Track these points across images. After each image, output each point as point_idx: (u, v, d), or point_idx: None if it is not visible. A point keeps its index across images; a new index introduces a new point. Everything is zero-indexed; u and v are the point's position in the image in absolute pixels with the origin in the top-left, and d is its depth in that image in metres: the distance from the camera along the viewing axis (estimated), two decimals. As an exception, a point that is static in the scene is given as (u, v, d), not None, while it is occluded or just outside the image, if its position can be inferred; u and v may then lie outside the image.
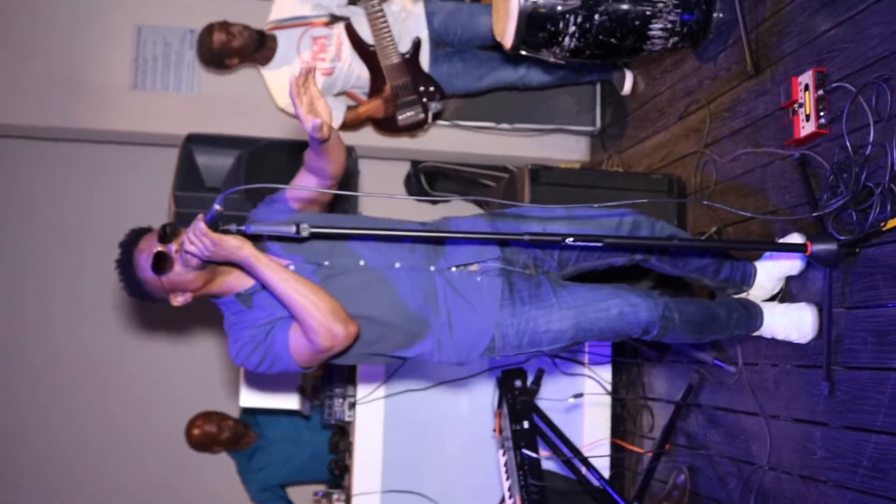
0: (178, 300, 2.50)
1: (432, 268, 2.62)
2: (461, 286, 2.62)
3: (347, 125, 4.58)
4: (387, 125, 4.59)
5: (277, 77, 4.35)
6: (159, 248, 2.40)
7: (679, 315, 2.76)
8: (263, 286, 2.46)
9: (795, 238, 2.89)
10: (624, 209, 2.82)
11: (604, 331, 2.70)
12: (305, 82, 2.36)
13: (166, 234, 2.42)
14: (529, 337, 2.65)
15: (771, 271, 3.04)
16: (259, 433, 4.80)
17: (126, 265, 2.46)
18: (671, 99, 4.11)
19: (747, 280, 3.04)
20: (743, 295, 3.08)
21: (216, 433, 4.71)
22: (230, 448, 4.81)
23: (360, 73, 4.40)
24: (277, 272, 2.37)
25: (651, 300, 2.71)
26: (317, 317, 2.35)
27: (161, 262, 2.40)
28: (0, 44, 4.69)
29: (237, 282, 2.52)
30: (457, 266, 2.64)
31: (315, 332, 2.37)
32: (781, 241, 2.95)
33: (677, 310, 2.76)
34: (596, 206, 2.67)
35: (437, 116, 4.59)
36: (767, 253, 3.07)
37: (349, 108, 4.54)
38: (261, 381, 4.21)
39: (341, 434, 4.35)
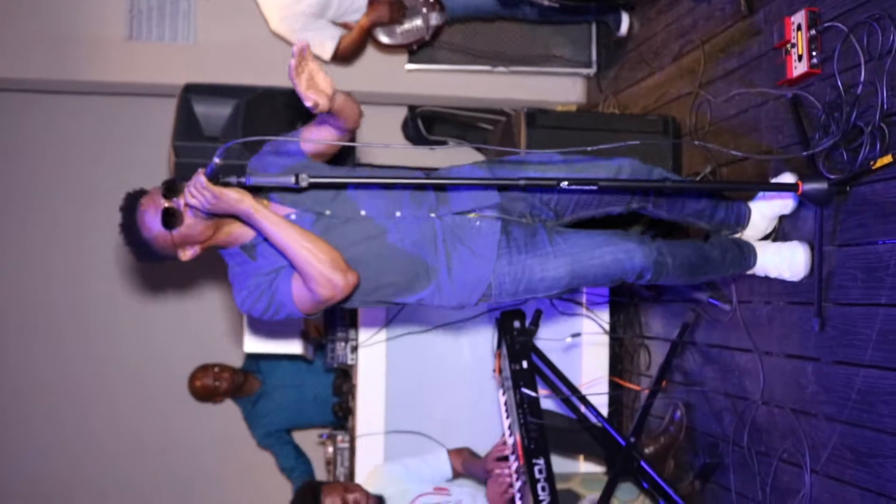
0: (187, 254, 2.51)
1: (432, 214, 2.65)
2: (460, 231, 2.66)
3: (341, 55, 4.56)
4: (388, 33, 4.53)
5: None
6: (166, 203, 2.41)
7: (672, 259, 2.81)
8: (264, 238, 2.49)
9: (787, 178, 2.92)
10: (621, 159, 2.85)
11: (598, 277, 2.76)
12: (303, 60, 2.36)
13: (170, 190, 2.42)
14: (525, 284, 2.71)
15: (764, 211, 3.07)
16: (262, 380, 4.85)
17: (131, 228, 2.45)
18: (666, 40, 4.10)
19: (741, 221, 3.08)
20: (737, 235, 3.12)
21: (215, 386, 4.78)
22: (233, 396, 4.88)
23: None
24: (277, 224, 2.39)
25: (645, 246, 2.77)
26: (316, 266, 2.39)
27: (171, 217, 2.40)
28: (-7, -5, 4.68)
29: (243, 231, 2.54)
30: (456, 213, 2.67)
31: (315, 282, 2.40)
32: (773, 180, 2.98)
33: (670, 254, 2.82)
34: (590, 148, 2.70)
35: (436, 34, 4.54)
36: (760, 193, 3.10)
37: (342, 37, 4.52)
38: (264, 327, 4.26)
39: (344, 377, 4.42)
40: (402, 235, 2.60)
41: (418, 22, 4.45)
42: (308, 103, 2.37)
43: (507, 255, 2.69)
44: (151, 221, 2.42)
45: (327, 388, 4.65)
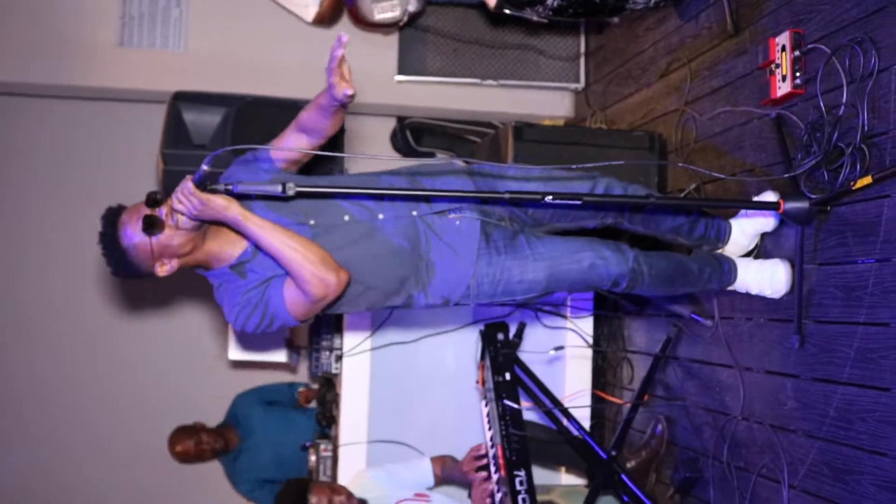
0: (164, 269, 2.50)
1: (414, 212, 2.68)
2: (441, 229, 2.69)
3: (323, 16, 4.55)
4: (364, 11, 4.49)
5: None
6: (148, 211, 2.41)
7: (649, 269, 2.85)
8: (256, 249, 2.50)
9: (769, 196, 2.95)
10: (600, 178, 2.89)
11: (575, 282, 2.80)
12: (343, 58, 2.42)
13: (153, 200, 2.41)
14: (504, 286, 2.74)
15: (746, 228, 3.10)
16: (242, 435, 4.78)
17: (110, 237, 2.44)
18: (653, 57, 4.14)
19: (722, 237, 3.11)
20: (719, 251, 3.15)
21: (196, 451, 4.71)
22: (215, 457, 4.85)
23: None
24: (265, 228, 2.41)
25: (621, 254, 2.81)
26: (308, 267, 2.40)
27: (152, 224, 2.40)
28: (-13, 0, 4.68)
29: (226, 251, 2.55)
30: (437, 212, 2.70)
31: (308, 283, 2.42)
32: (756, 198, 3.01)
33: (647, 263, 2.86)
34: (574, 167, 2.73)
35: (413, 18, 4.53)
36: (742, 211, 3.13)
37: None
38: (248, 336, 4.26)
39: (328, 386, 4.42)
40: (387, 236, 2.62)
41: (395, 6, 4.42)
42: (349, 92, 2.43)
43: (487, 257, 2.72)
44: (132, 229, 2.42)
45: (310, 439, 4.55)
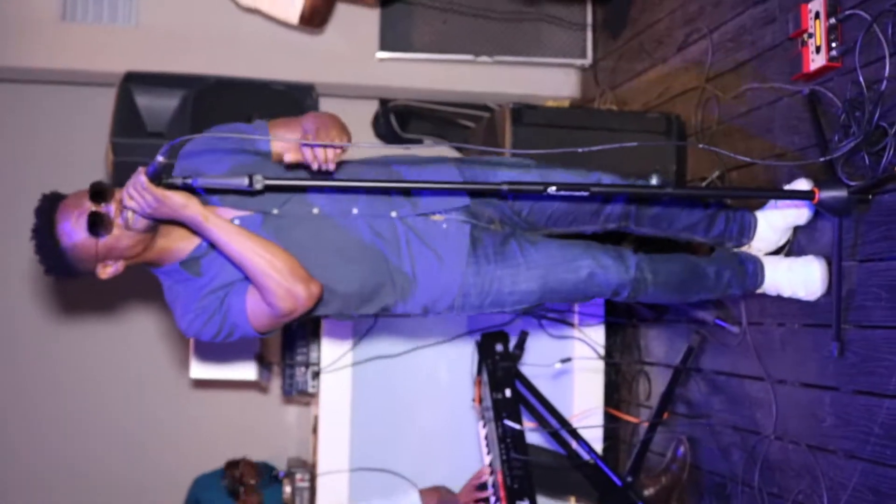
0: (107, 271, 2.48)
1: (394, 213, 2.66)
2: (425, 234, 2.68)
3: (308, 13, 4.56)
4: None
5: None
6: (93, 207, 2.38)
7: (654, 276, 2.86)
8: (211, 246, 2.49)
9: (802, 184, 2.94)
10: (600, 173, 2.89)
11: (571, 292, 2.81)
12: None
13: (98, 193, 2.38)
14: (493, 297, 2.75)
15: (775, 221, 3.09)
16: None
17: (45, 233, 2.40)
18: (670, 27, 4.14)
19: (746, 233, 3.10)
20: (744, 248, 3.15)
21: None
22: None
23: None
24: (229, 232, 2.39)
25: (622, 262, 2.82)
26: (275, 278, 2.39)
27: (98, 223, 2.37)
28: None
29: (177, 246, 2.53)
30: (420, 214, 2.69)
31: (274, 295, 2.40)
32: (787, 187, 3.01)
33: (652, 270, 2.86)
34: (581, 150, 2.71)
35: None
36: (771, 202, 3.13)
37: None
38: (213, 350, 4.25)
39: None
40: (360, 234, 2.61)
41: None
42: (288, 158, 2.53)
43: (475, 265, 2.71)
44: (74, 227, 2.38)
45: None
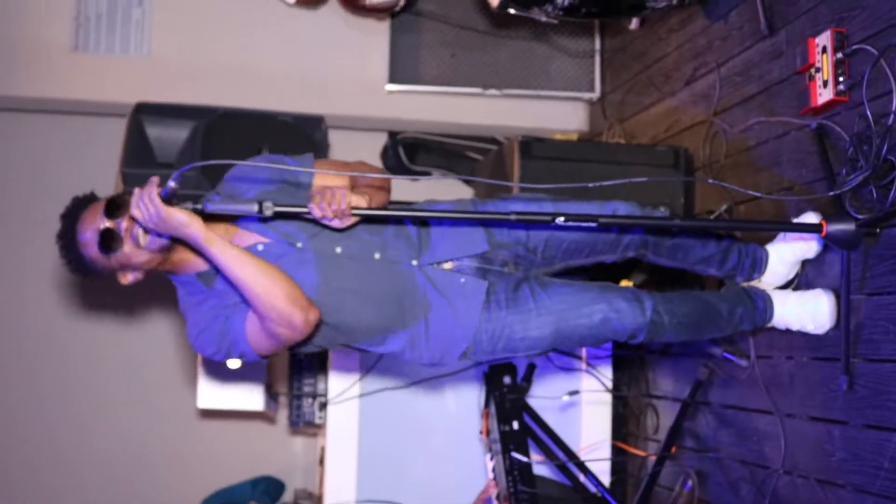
0: (127, 278, 2.54)
1: (414, 262, 2.69)
2: (443, 285, 2.70)
3: None
4: None
5: None
6: (107, 223, 2.43)
7: (670, 318, 2.85)
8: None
9: (811, 217, 2.95)
10: (616, 203, 2.89)
11: (585, 337, 2.82)
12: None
13: (115, 207, 2.44)
14: (505, 343, 2.76)
15: (784, 255, 3.10)
16: None
17: (68, 239, 2.48)
18: (678, 62, 4.17)
19: (758, 267, 3.11)
20: (755, 282, 3.15)
21: None
22: None
23: None
24: (227, 253, 2.40)
25: (638, 305, 2.81)
26: (271, 303, 2.40)
27: (108, 240, 2.43)
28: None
29: (195, 258, 2.56)
30: (435, 262, 2.71)
31: (270, 320, 2.42)
32: (795, 220, 3.01)
33: (668, 312, 2.86)
34: (591, 185, 2.73)
35: (409, 3, 4.58)
36: (780, 235, 3.14)
37: None
38: (222, 376, 4.24)
39: None
40: (378, 279, 2.63)
41: None
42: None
43: (486, 312, 2.73)
44: (89, 241, 2.46)
45: None
